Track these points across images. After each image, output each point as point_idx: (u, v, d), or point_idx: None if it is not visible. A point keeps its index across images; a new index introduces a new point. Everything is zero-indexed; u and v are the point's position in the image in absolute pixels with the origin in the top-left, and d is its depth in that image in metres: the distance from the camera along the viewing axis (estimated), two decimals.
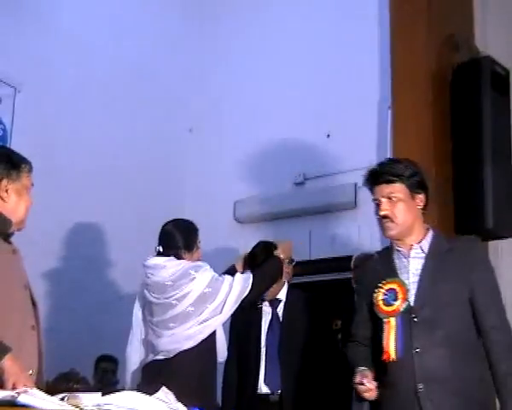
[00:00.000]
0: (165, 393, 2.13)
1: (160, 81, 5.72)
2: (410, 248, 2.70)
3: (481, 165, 4.04)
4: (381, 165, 2.77)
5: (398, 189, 2.67)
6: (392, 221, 2.67)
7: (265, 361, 3.67)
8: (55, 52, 5.02)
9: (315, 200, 5.15)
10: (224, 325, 3.35)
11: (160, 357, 3.24)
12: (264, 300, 3.72)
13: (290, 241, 3.81)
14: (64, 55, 5.07)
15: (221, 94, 5.87)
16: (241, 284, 3.27)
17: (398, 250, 2.73)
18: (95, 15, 5.35)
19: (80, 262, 4.94)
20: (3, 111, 4.69)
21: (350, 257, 4.10)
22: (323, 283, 4.80)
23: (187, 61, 5.97)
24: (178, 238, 3.34)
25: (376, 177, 2.72)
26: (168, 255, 3.29)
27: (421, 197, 2.72)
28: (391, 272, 2.70)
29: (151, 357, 3.30)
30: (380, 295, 2.65)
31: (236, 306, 3.25)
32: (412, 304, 2.61)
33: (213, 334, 3.27)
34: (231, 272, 3.44)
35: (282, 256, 3.57)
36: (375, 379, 2.62)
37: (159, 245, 3.36)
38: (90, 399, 1.87)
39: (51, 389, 2.07)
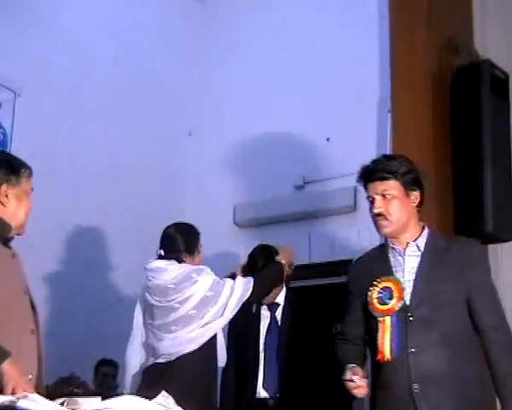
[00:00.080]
0: (164, 397, 2.13)
1: (160, 84, 5.72)
2: (406, 246, 2.66)
3: (481, 168, 4.04)
4: (374, 162, 2.72)
5: (392, 186, 2.64)
6: (387, 219, 2.64)
7: (264, 366, 3.67)
8: (54, 55, 5.02)
9: (314, 203, 5.15)
10: (222, 329, 3.36)
11: (161, 360, 3.25)
12: (262, 304, 3.71)
13: (291, 245, 3.81)
14: (64, 58, 5.07)
15: (221, 97, 5.88)
16: (242, 287, 3.28)
17: (393, 248, 2.69)
18: (94, 18, 5.35)
19: (80, 265, 4.94)
20: (3, 115, 4.69)
21: (350, 261, 4.09)
22: (323, 286, 4.80)
23: (187, 64, 5.97)
24: (180, 242, 3.35)
25: (370, 174, 2.68)
26: (169, 259, 3.30)
27: (416, 194, 2.68)
28: (386, 270, 2.66)
29: (151, 360, 3.30)
30: (374, 294, 2.61)
31: (237, 309, 3.26)
32: (408, 303, 2.57)
33: (214, 338, 3.28)
34: (232, 278, 3.44)
35: (283, 261, 3.58)
36: (373, 380, 2.61)
37: (160, 248, 3.37)
38: (89, 403, 1.87)
39: (51, 394, 2.08)
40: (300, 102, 5.35)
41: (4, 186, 2.50)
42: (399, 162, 2.69)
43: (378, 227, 2.68)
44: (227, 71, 5.92)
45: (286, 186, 5.40)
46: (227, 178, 5.66)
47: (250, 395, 3.65)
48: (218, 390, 3.64)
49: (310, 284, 4.80)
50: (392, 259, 2.68)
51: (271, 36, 5.68)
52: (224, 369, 3.68)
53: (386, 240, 2.73)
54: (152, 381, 3.18)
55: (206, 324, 3.20)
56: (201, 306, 3.19)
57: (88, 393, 4.09)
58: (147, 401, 2.00)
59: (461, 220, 4.06)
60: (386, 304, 2.58)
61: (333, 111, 5.19)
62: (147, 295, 3.32)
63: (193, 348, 3.19)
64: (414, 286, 2.59)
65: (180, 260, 3.30)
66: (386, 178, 2.64)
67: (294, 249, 3.81)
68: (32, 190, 2.61)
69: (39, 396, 1.88)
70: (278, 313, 3.79)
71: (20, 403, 1.73)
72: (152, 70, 5.66)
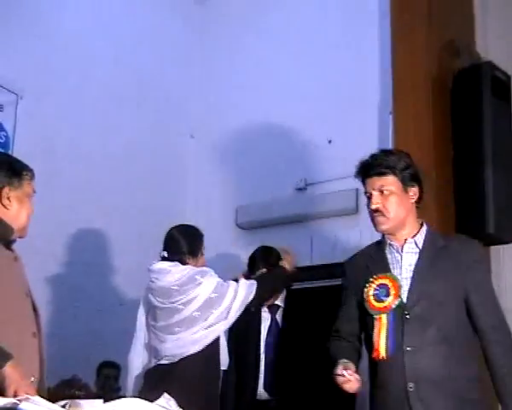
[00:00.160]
0: (166, 399, 2.14)
1: (161, 87, 5.73)
2: (404, 243, 2.62)
3: (482, 170, 4.03)
4: (373, 156, 2.67)
5: (390, 181, 2.59)
6: (384, 215, 2.59)
7: (265, 367, 3.68)
8: (56, 57, 5.02)
9: (316, 205, 5.14)
10: (223, 331, 3.36)
11: (163, 362, 3.25)
12: (262, 305, 3.72)
13: (291, 248, 3.80)
14: (65, 61, 5.07)
15: (222, 100, 5.88)
16: (246, 290, 3.29)
17: (391, 245, 2.64)
18: (95, 20, 5.36)
19: (82, 267, 4.93)
20: (5, 118, 4.69)
21: None
22: (324, 288, 4.80)
23: (188, 67, 5.97)
24: (183, 244, 3.35)
25: (368, 169, 2.64)
26: (173, 260, 3.30)
27: (414, 190, 2.64)
28: (382, 266, 2.61)
29: (154, 362, 3.30)
30: (371, 291, 2.57)
31: (241, 312, 3.27)
32: (405, 301, 2.52)
33: (217, 340, 3.28)
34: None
35: (287, 266, 3.58)
36: (370, 379, 2.58)
37: (163, 250, 3.37)
38: (91, 406, 1.87)
39: (53, 396, 2.07)
40: (302, 104, 5.35)
41: (6, 189, 2.50)
42: (398, 157, 2.65)
43: (375, 224, 2.64)
44: (227, 73, 5.92)
45: (288, 188, 5.40)
46: (229, 180, 5.66)
47: (251, 397, 3.65)
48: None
49: (311, 286, 4.80)
50: (389, 256, 2.64)
51: (271, 37, 5.68)
52: (225, 371, 3.68)
53: (383, 237, 2.68)
54: (154, 383, 3.18)
55: (209, 326, 3.21)
56: (205, 308, 3.20)
57: (90, 395, 4.08)
58: (149, 403, 2.00)
59: (462, 222, 4.06)
60: (382, 301, 2.54)
61: (334, 113, 5.19)
62: (150, 296, 3.32)
63: (196, 350, 3.19)
64: (411, 284, 2.55)
65: (183, 262, 3.30)
66: (384, 174, 2.59)
67: (296, 251, 3.82)
68: (35, 192, 2.61)
69: (41, 399, 1.88)
70: (279, 315, 3.79)
71: (22, 405, 1.74)
72: (153, 75, 5.66)
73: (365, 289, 2.58)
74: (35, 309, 2.52)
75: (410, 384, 2.46)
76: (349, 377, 2.46)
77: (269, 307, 3.77)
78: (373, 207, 2.61)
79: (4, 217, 2.48)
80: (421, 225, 2.68)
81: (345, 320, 2.74)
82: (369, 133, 4.92)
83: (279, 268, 3.57)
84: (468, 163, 4.11)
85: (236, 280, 3.46)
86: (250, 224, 5.52)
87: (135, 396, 2.34)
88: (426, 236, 2.64)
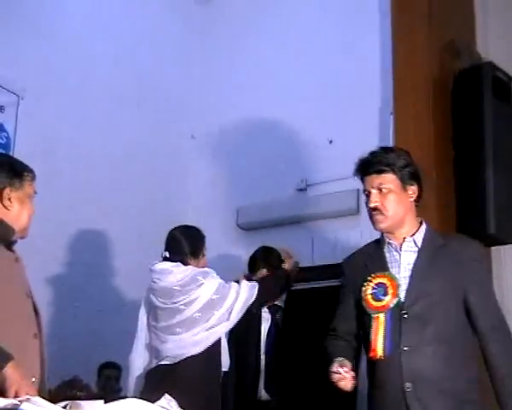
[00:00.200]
0: (167, 400, 2.14)
1: (161, 87, 5.73)
2: (403, 242, 2.60)
3: (483, 171, 4.03)
4: (372, 154, 2.64)
5: (388, 179, 2.57)
6: (382, 213, 2.57)
7: (265, 368, 3.68)
8: (56, 58, 5.02)
9: (317, 206, 5.14)
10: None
11: (164, 362, 3.26)
12: (263, 306, 3.72)
13: (291, 249, 3.80)
14: (66, 61, 5.07)
15: (222, 100, 5.87)
16: (248, 291, 3.29)
17: (390, 243, 2.62)
18: (96, 22, 5.36)
19: (82, 268, 4.94)
20: (6, 119, 4.70)
21: None
22: (326, 289, 4.80)
23: (188, 67, 5.97)
24: (185, 244, 3.36)
25: (367, 166, 2.62)
26: (174, 261, 3.30)
27: (413, 189, 2.61)
28: (381, 265, 2.59)
29: (155, 362, 3.31)
30: (369, 289, 2.54)
31: (242, 313, 3.27)
32: (403, 300, 2.50)
33: (219, 341, 3.29)
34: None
35: (288, 269, 3.58)
36: (368, 378, 2.56)
37: (165, 250, 3.38)
38: (92, 406, 1.87)
39: (54, 397, 2.07)
40: (302, 105, 5.35)
41: (7, 190, 2.50)
42: (397, 155, 2.63)
43: (373, 222, 2.62)
44: (227, 73, 5.92)
45: (288, 189, 5.40)
46: (229, 180, 5.66)
47: (251, 397, 3.65)
48: None
49: (312, 287, 4.80)
50: (387, 254, 2.62)
51: (272, 37, 5.68)
52: (226, 371, 3.69)
53: (382, 235, 2.66)
54: (155, 383, 3.19)
55: (211, 327, 3.21)
56: (207, 309, 3.20)
57: (91, 396, 4.08)
58: (150, 403, 2.00)
59: (463, 223, 4.05)
60: (380, 300, 2.51)
61: (335, 113, 5.19)
62: (151, 296, 3.33)
63: (197, 351, 3.19)
64: (409, 283, 2.52)
65: (185, 263, 3.31)
66: (382, 171, 2.57)
67: (297, 252, 3.82)
68: (36, 193, 2.62)
69: (42, 399, 1.88)
70: (279, 316, 3.80)
71: (23, 406, 1.74)
72: (152, 72, 5.66)
73: (363, 288, 2.56)
74: (36, 310, 2.52)
75: (408, 384, 2.44)
76: (344, 375, 2.44)
77: (269, 308, 3.77)
78: (371, 205, 2.59)
79: (5, 218, 2.49)
80: (421, 223, 2.65)
81: (342, 319, 2.72)
82: (370, 134, 4.91)
83: (281, 270, 3.58)
84: (469, 164, 4.11)
85: (237, 281, 3.47)
86: (251, 224, 5.52)
87: (136, 397, 2.33)
88: (425, 234, 2.61)
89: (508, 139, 4.20)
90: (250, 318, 3.62)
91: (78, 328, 4.77)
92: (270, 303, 3.74)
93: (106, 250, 5.13)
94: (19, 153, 4.29)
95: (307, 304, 4.07)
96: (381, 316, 2.50)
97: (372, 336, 2.49)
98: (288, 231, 5.20)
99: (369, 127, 4.95)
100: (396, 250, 2.61)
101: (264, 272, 3.91)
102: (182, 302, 3.21)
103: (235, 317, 3.26)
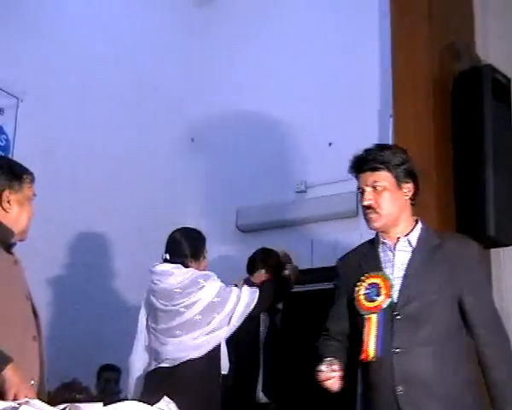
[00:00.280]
0: (166, 403, 2.13)
1: (161, 87, 5.73)
2: (397, 241, 2.54)
3: (483, 173, 4.03)
4: (366, 151, 2.58)
5: (383, 177, 2.51)
6: (376, 212, 2.51)
7: (263, 370, 3.67)
8: (56, 60, 5.03)
9: (317, 208, 5.15)
10: None
11: (164, 365, 3.25)
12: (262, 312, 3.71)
13: (289, 252, 3.80)
14: (66, 61, 5.07)
15: (223, 103, 5.88)
16: (249, 296, 3.29)
17: (384, 243, 2.56)
18: (96, 22, 5.37)
19: (82, 269, 4.94)
20: (6, 121, 4.70)
21: None
22: (325, 291, 4.79)
23: (188, 68, 5.98)
24: (185, 246, 3.36)
25: (361, 164, 2.56)
26: (175, 263, 3.30)
27: (409, 187, 2.55)
28: (374, 265, 2.53)
29: (154, 364, 3.30)
30: (361, 290, 2.49)
31: (243, 318, 3.26)
32: (395, 300, 2.44)
33: (219, 345, 3.28)
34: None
35: (289, 274, 3.58)
36: (362, 380, 2.52)
37: (166, 252, 3.37)
38: (91, 409, 1.87)
39: (53, 400, 2.08)
40: (302, 107, 5.36)
41: (7, 192, 2.50)
42: (393, 152, 2.57)
43: (367, 221, 2.56)
44: (228, 73, 5.92)
45: (288, 191, 5.40)
46: (229, 183, 5.66)
47: (250, 400, 3.65)
48: None
49: (311, 289, 4.80)
50: (381, 254, 2.56)
51: (271, 38, 5.69)
52: (224, 375, 3.69)
53: (376, 234, 2.61)
54: (154, 386, 3.18)
55: (211, 331, 3.20)
56: (207, 312, 3.20)
57: (90, 398, 4.09)
58: (149, 406, 2.00)
59: (463, 225, 4.05)
60: (373, 301, 2.46)
61: (334, 115, 5.19)
62: (152, 298, 3.32)
63: (198, 355, 3.19)
64: (402, 283, 2.47)
65: (186, 265, 3.31)
66: (377, 169, 2.52)
67: (296, 254, 3.82)
68: (35, 195, 2.62)
69: (41, 402, 1.88)
70: (277, 318, 3.79)
71: (22, 409, 1.73)
72: (154, 78, 5.66)
73: (356, 288, 2.51)
74: (35, 312, 2.52)
75: (399, 387, 2.38)
76: (330, 375, 2.41)
77: (267, 310, 3.77)
78: (365, 203, 2.54)
79: (4, 220, 2.49)
80: (416, 222, 2.60)
81: (335, 319, 2.68)
82: (370, 136, 4.90)
83: (282, 278, 3.58)
84: (469, 165, 4.11)
85: (236, 286, 3.47)
86: (250, 227, 5.52)
87: (135, 399, 2.33)
88: (420, 234, 2.55)
89: (507, 141, 4.21)
90: (248, 320, 3.62)
91: (78, 330, 4.77)
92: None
93: (106, 252, 5.13)
94: (18, 155, 4.29)
95: (306, 306, 4.06)
96: (374, 317, 2.45)
97: (364, 338, 2.45)
98: (287, 233, 5.20)
99: (369, 129, 4.95)
100: (390, 250, 2.55)
101: (262, 273, 3.91)
102: (182, 305, 3.21)
103: (236, 322, 3.25)
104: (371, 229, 2.59)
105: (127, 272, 5.03)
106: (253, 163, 5.60)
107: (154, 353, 3.32)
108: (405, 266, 2.50)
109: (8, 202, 2.50)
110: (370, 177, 2.53)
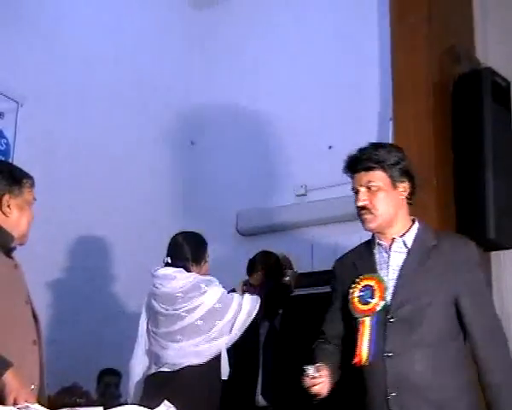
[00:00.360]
0: (166, 407, 2.13)
1: (162, 94, 5.73)
2: (392, 242, 2.47)
3: (483, 176, 4.03)
4: (361, 150, 2.51)
5: (378, 177, 2.45)
6: (371, 213, 2.45)
7: (263, 373, 3.66)
8: (56, 64, 5.03)
9: (317, 211, 5.14)
10: None
11: (164, 369, 3.24)
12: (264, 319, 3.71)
13: (288, 255, 3.80)
14: (66, 62, 5.08)
15: (222, 106, 5.88)
16: (250, 304, 3.28)
17: (380, 244, 2.50)
18: (96, 24, 5.37)
19: (82, 273, 4.93)
20: (6, 125, 4.70)
21: None
22: (325, 295, 4.79)
23: (188, 68, 5.98)
24: (187, 250, 3.35)
25: (355, 163, 2.49)
26: (176, 267, 3.29)
27: (404, 186, 2.48)
28: (369, 267, 2.47)
29: (154, 368, 3.29)
30: (356, 292, 2.44)
31: (245, 327, 3.24)
32: (389, 303, 2.38)
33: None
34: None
35: (290, 280, 3.58)
36: (355, 384, 2.48)
37: (167, 256, 3.36)
38: None
39: (53, 404, 2.07)
40: (302, 111, 5.36)
41: (6, 196, 2.50)
42: (388, 151, 2.50)
43: (362, 222, 2.50)
44: (227, 77, 5.92)
45: (288, 194, 5.40)
46: (229, 186, 5.66)
47: (249, 403, 3.64)
48: None
49: (312, 292, 4.79)
50: (377, 255, 2.50)
51: (271, 41, 5.69)
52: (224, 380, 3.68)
53: (372, 235, 2.55)
54: (154, 390, 3.18)
55: (213, 339, 3.19)
56: (209, 317, 3.19)
57: (90, 403, 4.08)
58: None
59: (462, 227, 4.05)
60: (367, 303, 2.40)
61: (335, 120, 5.19)
62: (153, 302, 3.32)
63: (199, 362, 3.18)
64: (396, 285, 2.41)
65: (187, 269, 3.30)
66: (371, 168, 2.45)
67: (297, 257, 3.82)
68: (35, 200, 2.62)
69: (41, 407, 1.88)
70: (277, 321, 3.79)
71: None
72: (154, 82, 5.66)
73: (350, 291, 2.46)
74: (35, 317, 2.52)
75: (392, 391, 2.33)
76: (318, 380, 2.37)
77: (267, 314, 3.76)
78: (359, 204, 2.48)
79: (4, 224, 2.49)
80: (413, 222, 2.53)
81: (330, 323, 2.64)
82: (370, 139, 4.86)
83: (283, 286, 3.58)
84: (469, 168, 4.11)
85: (234, 290, 3.46)
86: (250, 230, 5.52)
87: (135, 404, 2.33)
88: (416, 234, 2.48)
89: (507, 144, 4.21)
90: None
91: (78, 334, 4.76)
92: None
93: (106, 256, 5.13)
94: (18, 159, 4.29)
95: (306, 310, 4.05)
96: (367, 320, 2.39)
97: (357, 341, 2.40)
98: (287, 236, 5.20)
99: (369, 133, 4.94)
100: (385, 251, 2.49)
101: (260, 274, 3.91)
102: (183, 309, 3.20)
103: (238, 330, 3.23)
104: (366, 230, 2.54)
105: (127, 276, 5.03)
106: (253, 166, 5.60)
107: (154, 357, 3.31)
108: (400, 267, 2.45)
109: (9, 206, 2.50)
110: (365, 177, 2.47)
